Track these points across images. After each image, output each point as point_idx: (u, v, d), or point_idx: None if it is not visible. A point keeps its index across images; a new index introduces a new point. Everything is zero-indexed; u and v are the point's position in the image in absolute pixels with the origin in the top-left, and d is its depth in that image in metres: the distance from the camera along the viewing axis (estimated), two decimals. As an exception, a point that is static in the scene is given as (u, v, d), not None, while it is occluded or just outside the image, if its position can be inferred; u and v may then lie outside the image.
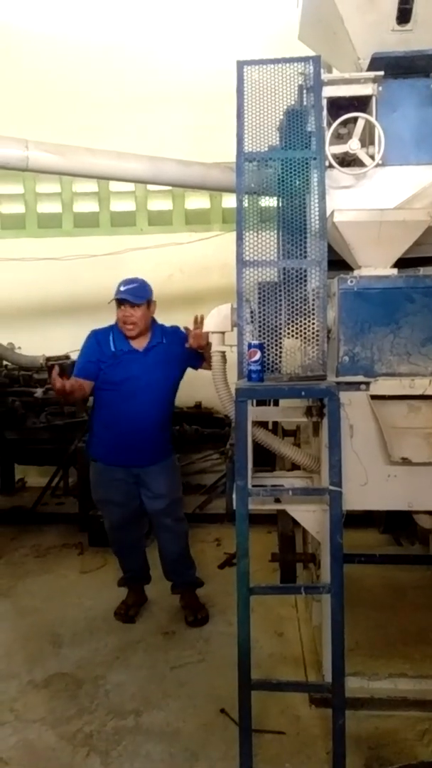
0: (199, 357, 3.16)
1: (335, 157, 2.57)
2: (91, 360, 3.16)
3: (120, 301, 3.07)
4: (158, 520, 3.31)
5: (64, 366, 4.90)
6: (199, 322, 2.98)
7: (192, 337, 3.04)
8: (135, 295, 3.06)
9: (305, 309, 2.39)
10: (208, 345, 2.82)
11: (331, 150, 2.55)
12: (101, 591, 3.66)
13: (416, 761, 2.23)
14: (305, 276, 2.41)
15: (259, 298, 2.44)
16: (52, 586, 3.79)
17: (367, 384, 2.37)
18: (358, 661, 2.67)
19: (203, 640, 3.11)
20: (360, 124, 2.57)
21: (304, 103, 2.53)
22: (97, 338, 3.21)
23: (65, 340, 5.26)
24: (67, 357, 5.07)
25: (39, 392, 4.87)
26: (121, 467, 3.20)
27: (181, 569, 3.41)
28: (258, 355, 2.30)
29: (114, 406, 3.15)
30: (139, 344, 3.16)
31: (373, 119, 2.57)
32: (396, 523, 4.06)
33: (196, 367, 3.25)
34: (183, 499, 3.47)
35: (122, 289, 3.07)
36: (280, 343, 2.41)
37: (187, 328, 3.12)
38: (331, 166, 2.55)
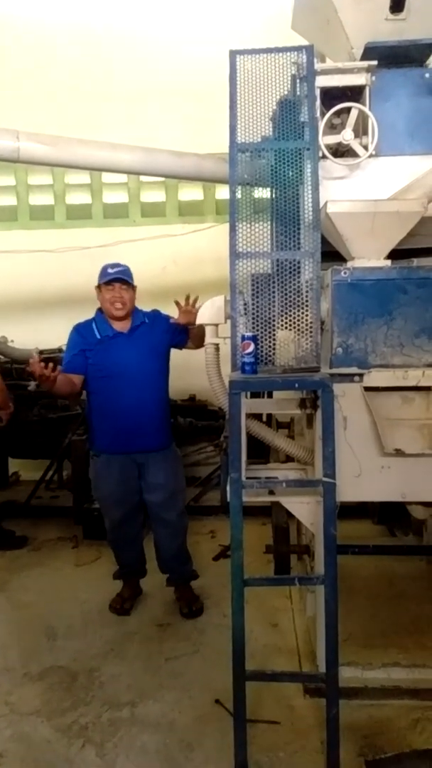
0: (184, 334, 3.20)
1: (328, 147, 2.56)
2: (76, 353, 3.16)
3: (110, 283, 3.10)
4: (157, 514, 3.28)
5: (56, 360, 4.89)
6: (188, 300, 3.07)
7: (182, 313, 3.09)
8: (127, 275, 3.13)
9: (299, 301, 2.39)
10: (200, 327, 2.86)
11: (325, 140, 2.54)
12: (96, 584, 3.66)
13: (409, 749, 2.25)
14: (299, 267, 2.41)
15: (253, 289, 2.44)
16: (46, 580, 3.79)
17: (361, 375, 2.37)
18: (351, 651, 2.68)
19: (198, 632, 3.12)
20: (353, 114, 2.55)
21: (297, 93, 2.53)
22: (79, 331, 3.23)
23: (58, 333, 5.17)
24: (60, 350, 5.02)
25: (32, 385, 4.85)
26: (123, 455, 3.18)
27: (177, 565, 3.42)
28: (251, 347, 2.29)
29: (108, 392, 3.15)
30: (123, 327, 3.19)
31: (366, 109, 2.56)
32: (390, 514, 4.07)
33: (181, 346, 3.26)
34: (185, 491, 3.45)
35: (112, 270, 3.11)
36: (274, 335, 2.41)
37: (177, 303, 3.14)
38: (324, 156, 2.54)
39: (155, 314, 3.29)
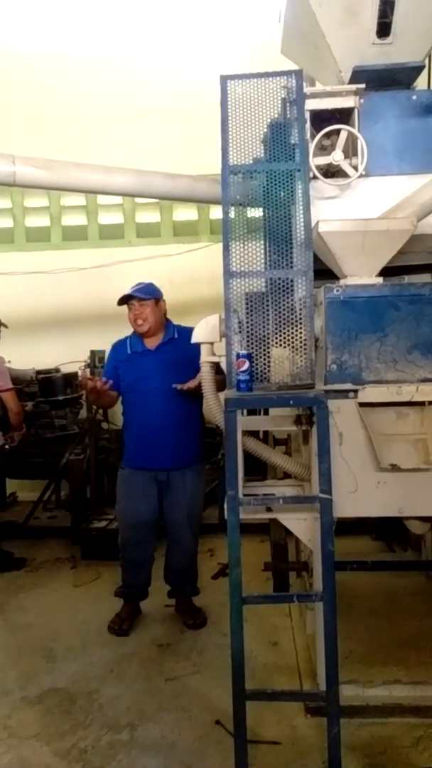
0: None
1: (319, 168, 2.60)
2: (110, 371, 3.28)
3: (128, 301, 3.18)
4: (171, 531, 3.32)
5: (52, 379, 4.91)
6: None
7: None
8: (141, 291, 3.19)
9: (293, 318, 2.41)
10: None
11: (315, 161, 2.59)
12: (95, 604, 3.64)
13: (412, 768, 2.23)
14: (292, 286, 2.44)
15: (247, 308, 2.46)
16: (44, 601, 3.77)
17: (355, 392, 2.39)
18: (352, 668, 2.67)
19: (197, 652, 3.10)
20: (343, 135, 2.61)
21: (288, 115, 2.57)
22: (114, 348, 3.37)
23: (55, 353, 5.27)
24: (57, 370, 5.07)
25: (29, 406, 4.87)
26: (145, 471, 3.22)
27: (182, 582, 3.43)
28: (246, 365, 2.31)
29: (134, 408, 3.25)
30: (152, 344, 3.26)
31: (355, 131, 2.61)
32: (388, 530, 4.08)
33: None
34: (201, 513, 3.45)
35: (129, 291, 3.20)
36: (269, 352, 2.43)
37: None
38: (315, 177, 2.59)
39: (189, 330, 3.27)
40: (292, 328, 2.41)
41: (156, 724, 2.56)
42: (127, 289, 3.21)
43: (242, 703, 2.17)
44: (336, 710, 2.16)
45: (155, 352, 3.23)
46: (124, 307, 3.26)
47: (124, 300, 3.20)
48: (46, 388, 4.91)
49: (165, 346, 3.23)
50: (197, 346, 3.16)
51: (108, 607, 3.48)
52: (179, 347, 3.17)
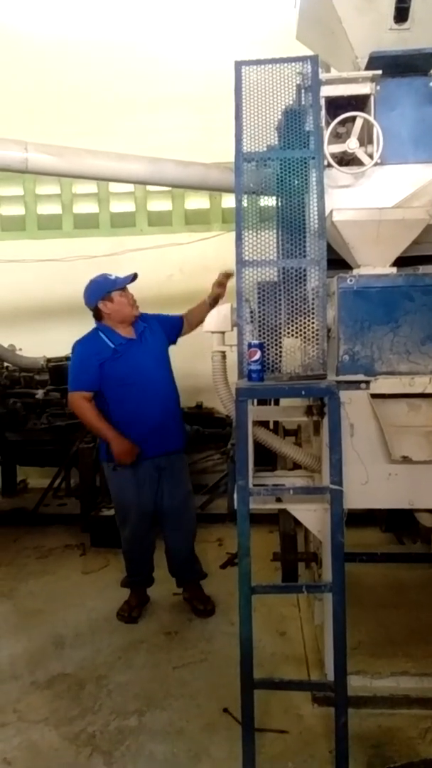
0: (176, 327, 3.39)
1: (334, 156, 2.57)
2: (94, 369, 3.14)
3: (121, 288, 3.19)
4: (175, 518, 3.33)
5: (62, 367, 4.91)
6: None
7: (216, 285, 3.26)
8: (127, 280, 3.23)
9: (305, 308, 2.39)
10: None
11: (330, 149, 2.55)
12: (104, 591, 3.66)
13: (418, 759, 2.24)
14: (305, 275, 2.41)
15: (259, 297, 2.44)
16: (54, 588, 3.80)
17: (367, 383, 2.37)
18: (360, 659, 2.67)
19: (206, 640, 3.11)
20: (358, 123, 2.56)
21: (303, 102, 2.53)
22: (88, 346, 3.22)
23: (66, 342, 5.24)
24: (67, 358, 5.07)
25: (40, 393, 4.89)
26: (147, 460, 3.20)
27: (190, 566, 3.46)
28: (258, 355, 2.30)
29: (131, 400, 3.16)
30: (130, 333, 3.24)
31: (371, 118, 2.57)
32: (398, 522, 4.06)
33: (175, 341, 3.41)
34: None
35: (122, 276, 3.21)
36: (280, 342, 2.42)
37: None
38: (329, 165, 2.55)
39: (148, 317, 3.35)
40: (305, 318, 2.39)
41: (164, 710, 2.58)
42: (110, 276, 3.22)
43: (250, 692, 2.18)
44: (344, 700, 2.17)
45: (139, 340, 3.22)
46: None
47: (126, 283, 3.21)
48: (56, 376, 4.92)
49: (144, 333, 3.25)
50: (162, 329, 3.32)
51: (116, 594, 3.51)
52: (153, 329, 3.28)
